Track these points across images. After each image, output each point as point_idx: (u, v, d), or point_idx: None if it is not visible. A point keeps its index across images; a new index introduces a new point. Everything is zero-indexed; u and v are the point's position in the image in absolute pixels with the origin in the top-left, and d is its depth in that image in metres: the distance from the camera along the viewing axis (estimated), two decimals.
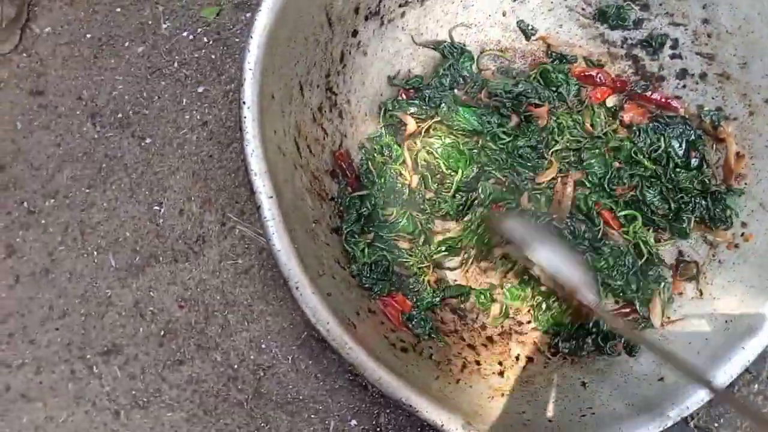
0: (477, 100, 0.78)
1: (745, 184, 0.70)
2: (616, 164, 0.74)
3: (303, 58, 0.65)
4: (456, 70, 0.78)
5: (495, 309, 0.73)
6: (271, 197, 0.55)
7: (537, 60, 0.80)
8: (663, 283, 0.70)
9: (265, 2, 0.57)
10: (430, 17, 0.78)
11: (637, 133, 0.74)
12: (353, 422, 0.72)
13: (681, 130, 0.73)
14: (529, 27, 0.80)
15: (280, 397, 0.72)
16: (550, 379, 0.68)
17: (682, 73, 0.75)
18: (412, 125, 0.75)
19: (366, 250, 0.69)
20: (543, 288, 0.71)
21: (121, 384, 0.73)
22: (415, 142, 0.76)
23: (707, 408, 0.72)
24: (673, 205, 0.71)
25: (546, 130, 0.75)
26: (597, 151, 0.74)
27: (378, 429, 0.72)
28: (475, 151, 0.75)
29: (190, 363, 0.73)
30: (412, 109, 0.76)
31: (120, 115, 0.80)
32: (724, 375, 0.59)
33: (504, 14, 0.79)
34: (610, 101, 0.76)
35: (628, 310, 0.71)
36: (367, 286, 0.68)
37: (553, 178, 0.74)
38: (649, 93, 0.75)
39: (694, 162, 0.72)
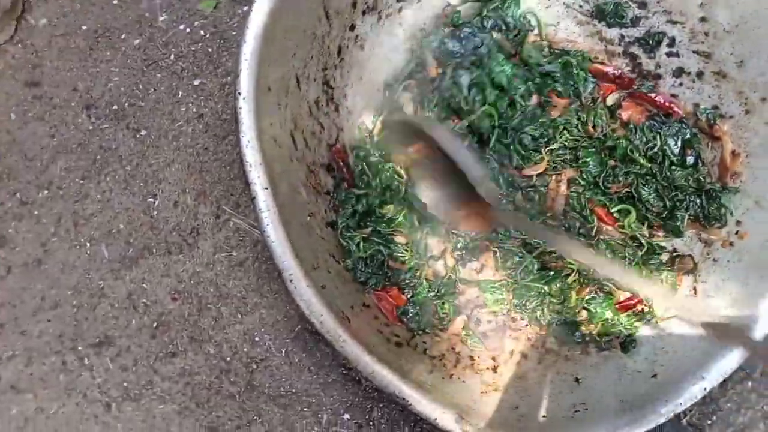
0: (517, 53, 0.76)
1: (741, 182, 0.70)
2: (611, 162, 0.74)
3: (300, 50, 0.65)
4: (499, 14, 0.76)
5: (458, 323, 0.72)
6: (266, 189, 0.55)
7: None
8: (665, 272, 0.70)
9: None
10: (427, 12, 0.78)
11: (634, 131, 0.74)
12: (346, 416, 0.72)
13: (677, 128, 0.73)
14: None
15: (272, 390, 0.72)
16: (544, 374, 0.68)
17: (679, 71, 0.75)
18: (433, 68, 0.74)
19: (361, 245, 0.69)
20: None
21: (113, 376, 0.72)
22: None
23: (700, 405, 0.72)
24: (668, 203, 0.71)
25: (554, 124, 0.75)
26: (593, 149, 0.74)
27: (371, 423, 0.72)
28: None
29: (183, 355, 0.72)
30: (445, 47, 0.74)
31: (115, 107, 0.80)
32: (718, 372, 0.59)
33: None
34: (610, 99, 0.76)
35: (635, 300, 0.70)
36: (362, 280, 0.68)
37: (540, 174, 0.74)
38: (653, 95, 0.74)
39: (689, 160, 0.72)
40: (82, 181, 0.77)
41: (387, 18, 0.75)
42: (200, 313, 0.73)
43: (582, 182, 0.74)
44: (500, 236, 0.72)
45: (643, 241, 0.71)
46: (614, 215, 0.73)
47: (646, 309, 0.70)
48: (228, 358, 0.72)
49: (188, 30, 0.82)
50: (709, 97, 0.73)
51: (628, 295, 0.71)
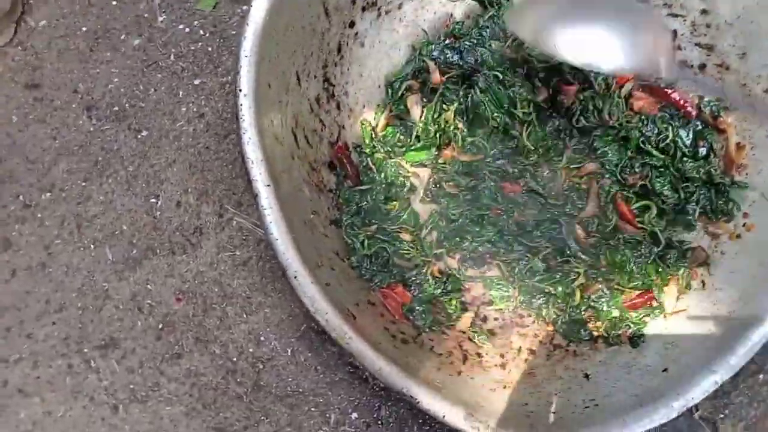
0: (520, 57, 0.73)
1: (746, 174, 0.69)
2: (629, 153, 0.72)
3: (300, 47, 0.64)
4: (497, 23, 0.74)
5: (465, 320, 0.71)
6: (269, 186, 0.54)
7: None
8: (682, 268, 0.70)
9: None
10: (427, 9, 0.77)
11: (645, 122, 0.72)
12: (354, 415, 0.71)
13: (688, 119, 0.72)
14: None
15: (279, 389, 0.71)
16: (553, 370, 0.67)
17: (681, 65, 0.74)
18: (436, 75, 0.73)
19: (366, 242, 0.68)
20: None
21: (119, 378, 0.72)
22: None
23: (712, 399, 0.71)
24: (682, 194, 0.70)
25: (569, 112, 0.73)
26: (609, 138, 0.73)
27: (379, 422, 0.71)
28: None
29: (189, 356, 0.72)
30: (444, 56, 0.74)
31: (116, 108, 0.79)
32: (729, 365, 0.59)
33: None
34: (625, 89, 0.74)
35: (646, 297, 0.70)
36: (366, 277, 0.67)
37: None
38: (670, 90, 0.73)
39: (702, 152, 0.71)
40: (84, 183, 0.77)
41: (387, 14, 0.74)
42: (205, 314, 0.73)
43: (607, 174, 0.73)
44: (502, 250, 0.72)
45: (661, 237, 0.70)
46: (635, 211, 0.72)
47: (656, 305, 0.69)
48: (234, 359, 0.72)
49: (188, 30, 0.82)
50: (712, 90, 0.72)
51: (638, 292, 0.70)
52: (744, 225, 0.68)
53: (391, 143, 0.74)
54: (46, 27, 0.82)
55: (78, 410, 0.72)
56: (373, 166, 0.72)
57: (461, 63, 0.74)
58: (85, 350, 0.73)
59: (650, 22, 0.52)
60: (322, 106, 0.70)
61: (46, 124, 0.79)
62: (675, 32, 0.70)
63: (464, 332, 0.70)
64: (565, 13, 0.57)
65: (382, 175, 0.72)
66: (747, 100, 0.57)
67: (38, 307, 0.74)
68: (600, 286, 0.71)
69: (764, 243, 0.65)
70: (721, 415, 0.71)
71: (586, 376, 0.66)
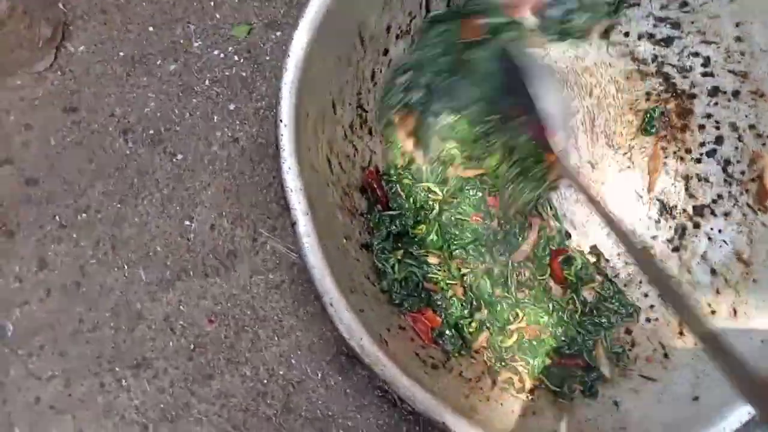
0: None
1: None
2: None
3: (336, 76, 0.66)
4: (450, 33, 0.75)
5: (482, 338, 0.71)
6: (307, 214, 0.55)
7: None
8: (603, 332, 0.71)
9: (303, 21, 0.58)
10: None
11: None
12: None
13: None
14: None
15: (309, 413, 0.72)
16: (582, 397, 0.67)
17: (714, 91, 0.74)
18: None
19: (396, 267, 0.69)
20: None
21: (150, 397, 0.73)
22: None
23: (745, 430, 0.70)
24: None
25: None
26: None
27: None
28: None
29: (220, 377, 0.73)
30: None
31: (152, 132, 0.81)
32: None
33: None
34: None
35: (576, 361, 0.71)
36: (397, 302, 0.68)
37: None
38: None
39: None
40: (119, 205, 0.79)
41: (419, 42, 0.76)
42: (237, 336, 0.74)
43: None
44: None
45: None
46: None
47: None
48: (264, 381, 0.72)
49: (222, 55, 0.84)
50: (746, 116, 0.72)
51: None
52: None
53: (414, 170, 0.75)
54: (84, 52, 0.84)
55: (109, 428, 0.73)
56: (401, 192, 0.73)
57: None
58: (117, 369, 0.74)
59: None
60: (355, 132, 0.71)
61: (83, 147, 0.81)
62: None
63: (483, 352, 0.70)
64: None
65: (411, 200, 0.73)
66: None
67: (72, 325, 0.76)
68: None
69: None
70: None
71: (615, 403, 0.65)
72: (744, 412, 0.57)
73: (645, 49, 0.78)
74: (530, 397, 0.67)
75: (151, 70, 0.84)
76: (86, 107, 0.83)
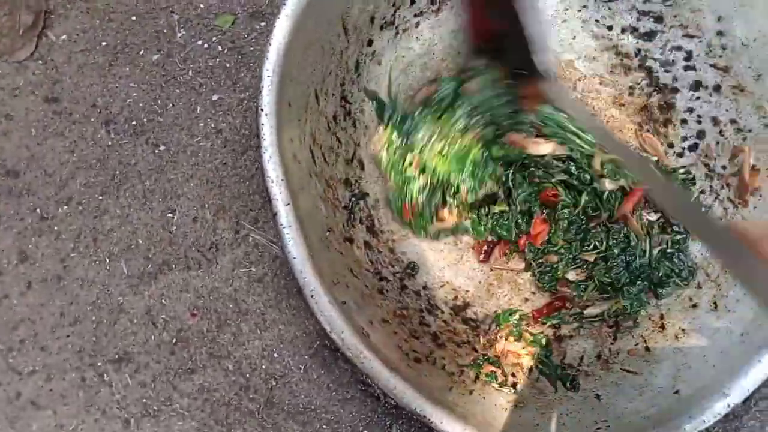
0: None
1: (760, 196, 0.69)
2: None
3: (319, 66, 0.65)
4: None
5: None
6: (288, 204, 0.55)
7: None
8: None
9: (284, 10, 0.57)
10: (444, 27, 0.78)
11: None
12: None
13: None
14: None
15: (291, 406, 0.71)
16: (564, 391, 0.67)
17: (696, 85, 0.75)
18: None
19: None
20: None
21: (132, 392, 0.72)
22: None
23: (723, 422, 0.71)
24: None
25: None
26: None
27: None
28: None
29: (202, 372, 0.72)
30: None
31: (134, 123, 0.80)
32: (741, 389, 0.59)
33: None
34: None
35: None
36: None
37: None
38: None
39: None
40: (101, 197, 0.78)
41: (404, 33, 0.75)
42: (219, 329, 0.73)
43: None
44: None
45: None
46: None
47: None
48: (247, 375, 0.72)
49: (206, 46, 0.83)
50: (727, 110, 0.72)
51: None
52: None
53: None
54: (66, 42, 0.83)
55: (90, 424, 0.72)
56: None
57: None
58: (99, 364, 0.74)
59: None
60: (338, 123, 0.71)
61: (64, 138, 0.80)
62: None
63: (475, 350, 0.70)
64: None
65: None
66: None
67: (53, 319, 0.75)
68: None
69: None
70: None
71: (597, 396, 0.66)
72: (723, 404, 0.58)
73: (628, 42, 0.78)
74: (513, 391, 0.67)
75: (134, 60, 0.83)
76: (68, 97, 0.82)
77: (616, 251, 0.73)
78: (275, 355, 0.73)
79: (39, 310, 0.75)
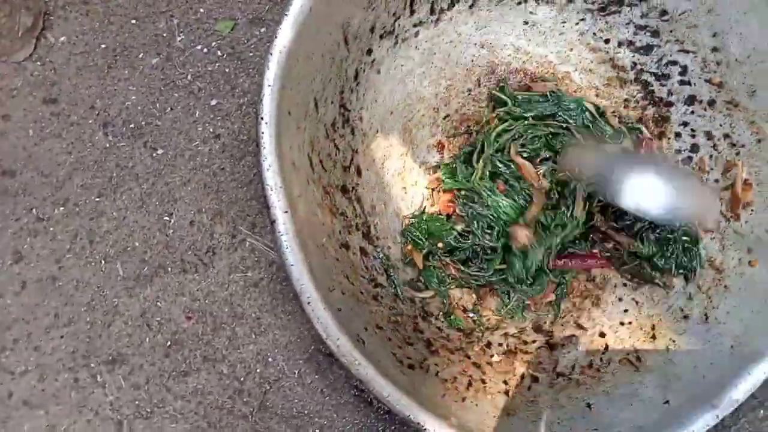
0: None
1: (752, 210, 0.70)
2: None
3: (319, 74, 0.66)
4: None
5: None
6: (286, 212, 0.55)
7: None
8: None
9: (286, 19, 0.58)
10: (443, 37, 0.79)
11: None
12: None
13: None
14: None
15: (285, 411, 0.72)
16: (556, 399, 0.68)
17: (691, 99, 0.76)
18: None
19: None
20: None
21: (125, 394, 0.72)
22: None
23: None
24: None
25: None
26: None
27: None
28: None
29: (196, 375, 0.73)
30: None
31: (132, 126, 0.81)
32: (730, 400, 0.59)
33: (516, 36, 0.81)
34: None
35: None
36: None
37: None
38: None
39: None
40: (98, 199, 0.78)
41: (403, 42, 0.76)
42: (214, 333, 0.74)
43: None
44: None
45: None
46: None
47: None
48: (241, 379, 0.72)
49: (205, 50, 0.83)
50: (721, 125, 0.73)
51: None
52: (749, 262, 0.69)
53: None
54: (65, 43, 0.83)
55: (82, 424, 0.72)
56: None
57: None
58: (92, 365, 0.74)
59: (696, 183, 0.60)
60: (337, 130, 0.71)
61: (62, 139, 0.80)
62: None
63: (468, 357, 0.71)
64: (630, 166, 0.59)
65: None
66: None
67: (47, 320, 0.75)
68: None
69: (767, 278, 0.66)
70: None
71: (589, 405, 0.66)
72: (712, 416, 0.58)
73: (625, 56, 0.79)
74: (506, 398, 0.67)
75: (133, 63, 0.83)
76: (66, 99, 0.82)
77: None
78: (270, 359, 0.73)
79: (33, 310, 0.75)
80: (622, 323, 0.74)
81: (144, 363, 0.73)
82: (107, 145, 0.80)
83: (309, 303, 0.55)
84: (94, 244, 0.77)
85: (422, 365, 0.66)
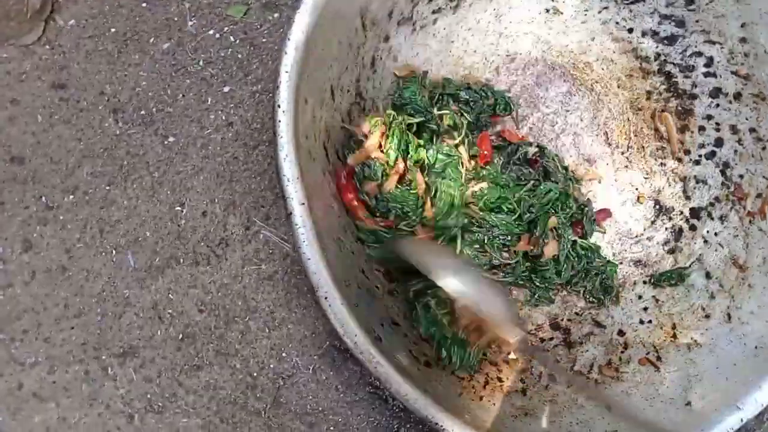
0: None
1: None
2: None
3: (336, 62, 0.64)
4: None
5: None
6: (303, 204, 0.54)
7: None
8: None
9: (304, 4, 0.56)
10: (461, 25, 0.77)
11: None
12: None
13: None
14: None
15: (299, 407, 0.70)
16: (574, 399, 0.67)
17: (716, 92, 0.74)
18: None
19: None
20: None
21: (137, 387, 0.71)
22: None
23: None
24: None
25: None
26: None
27: None
28: None
29: (209, 369, 0.71)
30: None
31: (143, 112, 0.79)
32: (755, 403, 0.58)
33: (537, 24, 0.79)
34: None
35: None
36: None
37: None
38: None
39: None
40: (108, 187, 0.77)
41: (422, 29, 0.74)
42: (227, 327, 0.72)
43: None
44: None
45: None
46: None
47: None
48: (254, 374, 0.71)
49: (218, 36, 0.81)
50: (747, 119, 0.71)
51: None
52: None
53: None
54: (74, 27, 0.82)
55: (93, 417, 0.71)
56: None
57: None
58: (103, 357, 0.72)
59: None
60: (353, 119, 0.69)
61: (71, 125, 0.78)
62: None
63: (485, 355, 0.69)
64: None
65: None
66: None
67: (57, 311, 0.74)
68: None
69: None
70: None
71: (607, 406, 0.65)
72: (736, 418, 0.57)
73: (648, 46, 0.77)
74: (523, 398, 0.66)
75: (144, 47, 0.81)
76: (75, 84, 0.80)
77: None
78: (283, 354, 0.72)
79: (43, 301, 0.74)
80: (641, 321, 0.72)
81: (156, 356, 0.72)
82: (117, 132, 0.78)
83: (326, 298, 0.53)
84: (104, 234, 0.75)
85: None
